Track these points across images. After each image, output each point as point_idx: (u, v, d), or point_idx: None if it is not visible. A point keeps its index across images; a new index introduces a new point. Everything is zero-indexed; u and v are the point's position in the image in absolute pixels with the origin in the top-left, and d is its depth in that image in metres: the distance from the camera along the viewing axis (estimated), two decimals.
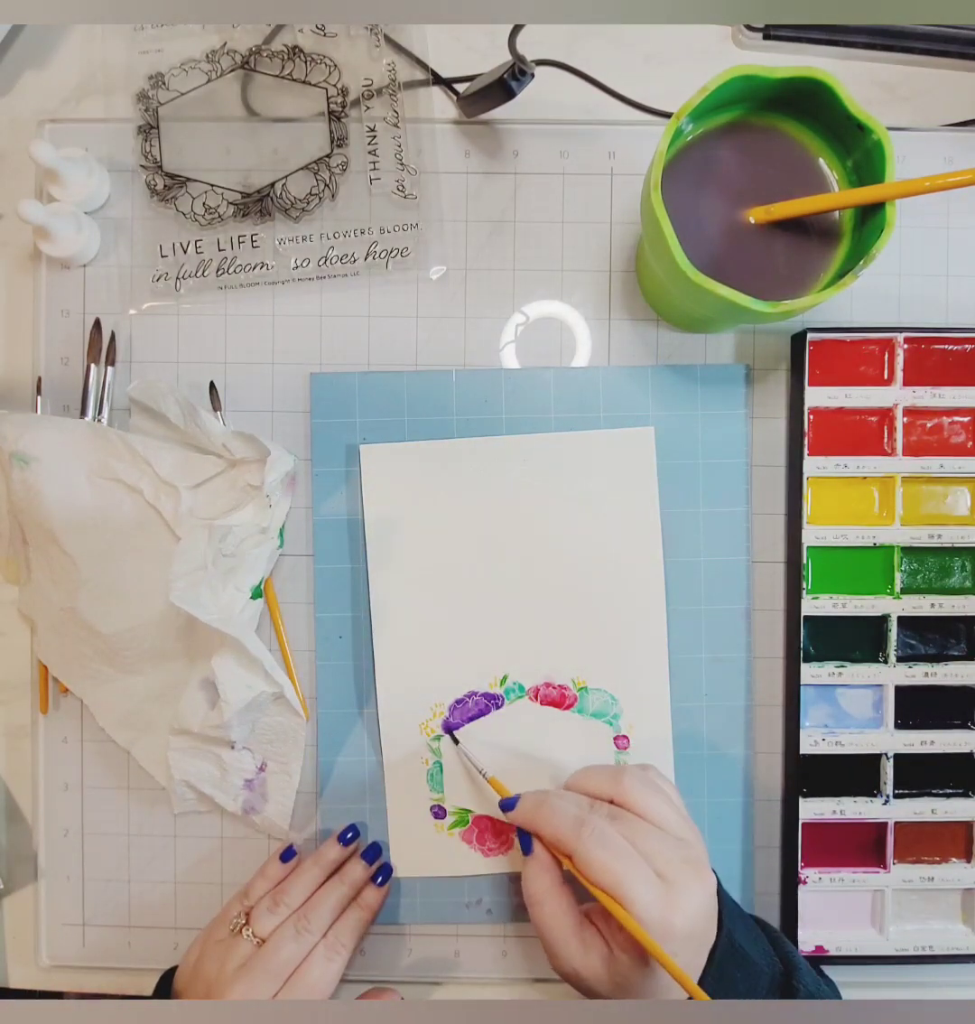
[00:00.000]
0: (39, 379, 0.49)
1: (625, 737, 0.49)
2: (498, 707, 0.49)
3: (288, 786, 0.49)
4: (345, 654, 0.49)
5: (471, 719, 0.49)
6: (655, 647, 0.49)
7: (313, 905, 0.45)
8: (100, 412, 0.49)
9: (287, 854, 0.47)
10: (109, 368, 0.49)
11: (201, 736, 0.47)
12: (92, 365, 0.49)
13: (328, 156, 0.50)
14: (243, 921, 0.44)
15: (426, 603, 0.49)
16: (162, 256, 0.50)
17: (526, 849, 0.42)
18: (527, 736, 0.49)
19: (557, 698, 0.49)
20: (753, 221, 0.41)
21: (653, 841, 0.39)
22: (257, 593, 0.48)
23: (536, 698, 0.49)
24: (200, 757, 0.48)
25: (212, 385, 0.49)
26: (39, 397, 0.49)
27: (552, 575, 0.49)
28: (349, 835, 0.48)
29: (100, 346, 0.49)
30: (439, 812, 0.49)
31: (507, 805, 0.43)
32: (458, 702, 0.49)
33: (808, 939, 0.48)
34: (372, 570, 0.49)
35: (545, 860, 0.41)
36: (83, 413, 0.49)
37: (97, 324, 0.49)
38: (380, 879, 0.47)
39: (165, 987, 0.45)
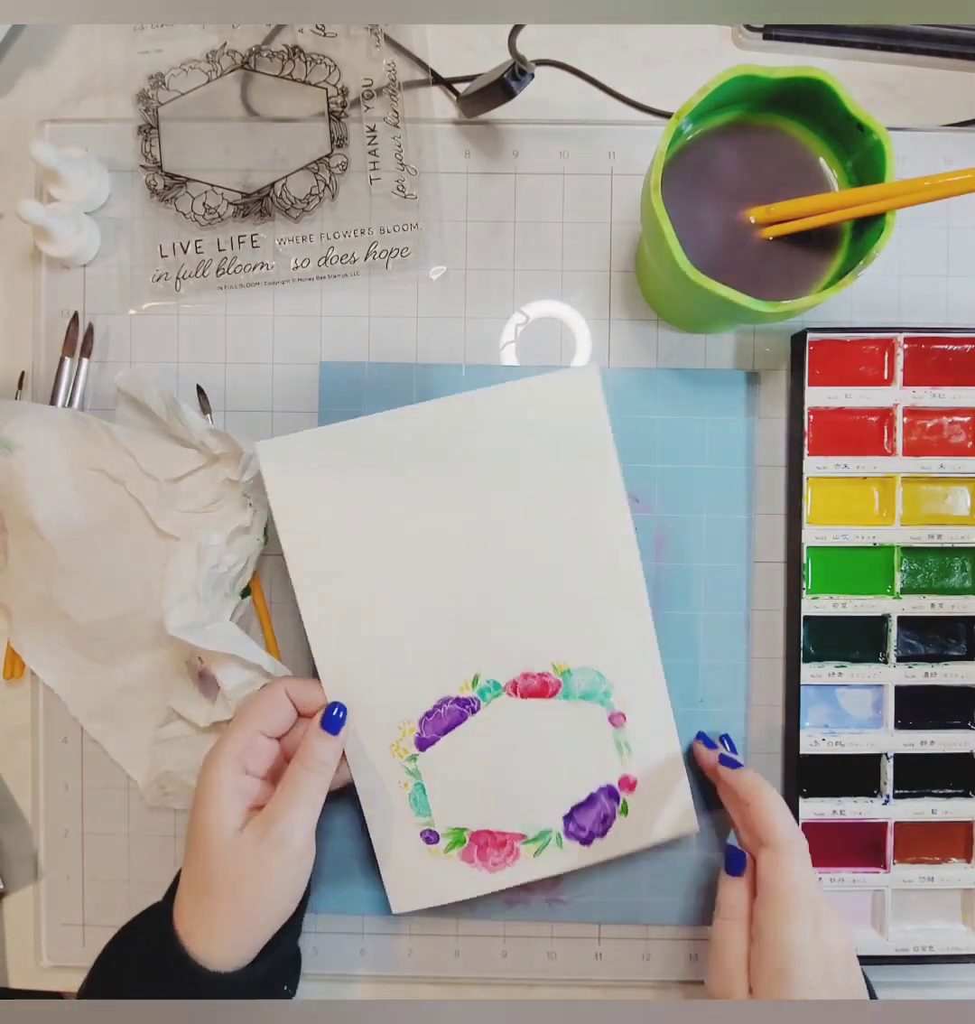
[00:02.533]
0: (22, 374, 0.50)
1: (621, 714, 0.46)
2: (474, 711, 0.45)
3: None
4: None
5: (447, 730, 0.45)
6: (636, 611, 0.45)
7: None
8: (71, 405, 0.49)
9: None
10: (84, 361, 0.49)
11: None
12: (66, 358, 0.49)
13: (328, 156, 0.50)
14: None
15: (369, 613, 0.44)
16: (162, 256, 0.50)
17: (736, 870, 0.43)
18: (513, 736, 0.45)
19: (539, 687, 0.45)
20: (753, 221, 0.41)
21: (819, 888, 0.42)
22: (246, 592, 0.48)
23: (516, 693, 0.45)
24: (187, 746, 0.48)
25: (199, 389, 0.49)
26: (20, 391, 0.49)
27: (509, 554, 0.44)
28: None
29: (75, 339, 0.49)
30: (431, 836, 0.46)
31: (729, 763, 0.45)
32: (428, 714, 0.45)
33: None
34: (297, 589, 0.44)
35: (751, 888, 0.43)
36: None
37: (75, 317, 0.49)
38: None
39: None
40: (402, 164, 0.50)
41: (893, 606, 0.48)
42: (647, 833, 0.46)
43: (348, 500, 0.44)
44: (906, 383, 0.48)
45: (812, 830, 0.48)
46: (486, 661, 0.45)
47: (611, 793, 0.46)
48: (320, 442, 0.44)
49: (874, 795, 0.49)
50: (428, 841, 0.46)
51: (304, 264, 0.50)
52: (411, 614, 0.45)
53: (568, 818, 0.46)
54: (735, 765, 0.45)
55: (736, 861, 0.44)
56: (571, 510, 0.44)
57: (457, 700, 0.45)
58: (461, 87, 0.50)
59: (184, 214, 0.49)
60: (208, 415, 0.49)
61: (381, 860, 0.46)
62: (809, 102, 0.40)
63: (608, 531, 0.45)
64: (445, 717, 0.45)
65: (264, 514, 0.48)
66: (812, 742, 0.48)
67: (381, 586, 0.44)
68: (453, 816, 0.46)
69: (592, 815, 0.46)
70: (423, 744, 0.45)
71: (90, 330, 0.49)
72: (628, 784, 0.46)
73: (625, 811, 0.46)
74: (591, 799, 0.46)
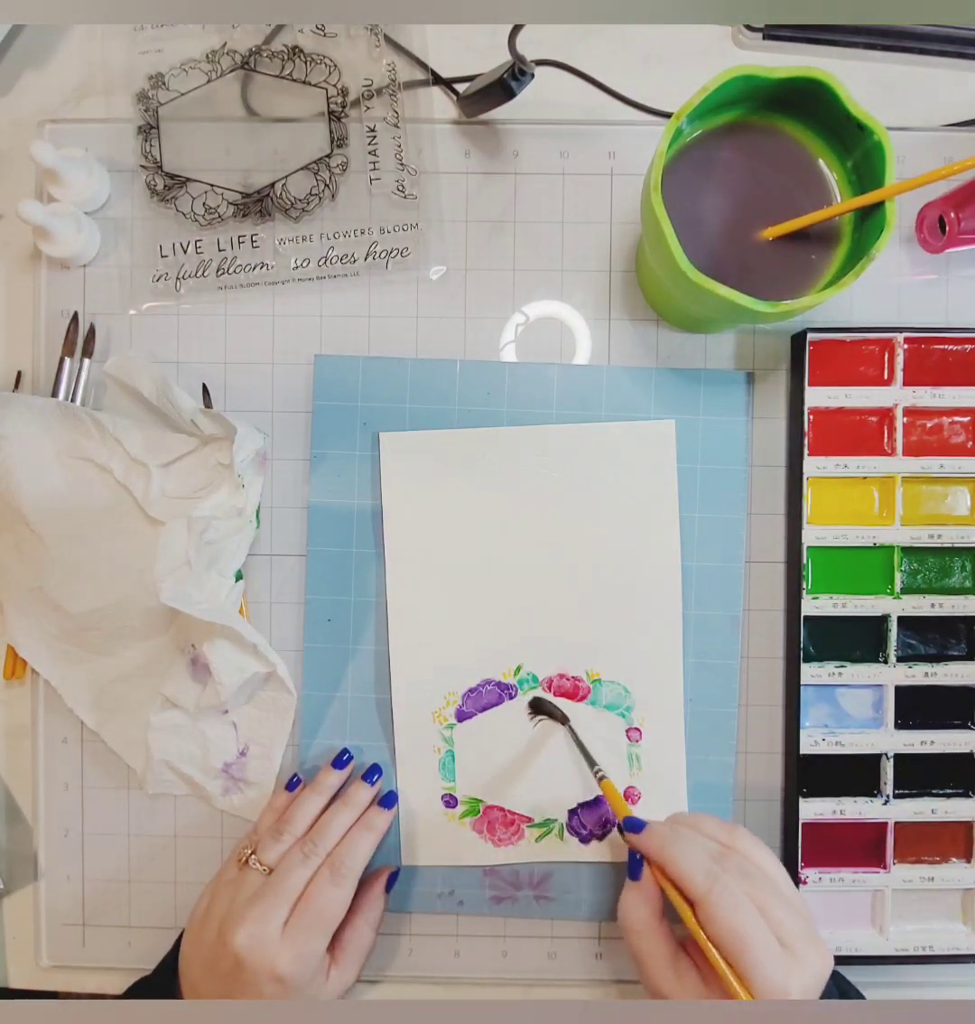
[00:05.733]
0: (18, 374, 0.50)
1: (638, 730, 0.49)
2: (511, 697, 0.49)
3: (268, 771, 0.49)
4: (331, 637, 0.49)
5: (484, 708, 0.49)
6: (669, 640, 0.49)
7: (318, 829, 0.45)
8: (73, 402, 0.49)
9: (292, 783, 0.48)
10: (86, 361, 0.49)
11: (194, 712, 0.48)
12: (66, 358, 0.49)
13: (328, 156, 0.50)
14: (251, 851, 0.45)
15: (442, 592, 0.49)
16: (162, 256, 0.50)
17: (634, 874, 0.41)
18: (539, 727, 0.49)
19: (570, 689, 0.49)
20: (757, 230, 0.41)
21: (779, 908, 0.38)
22: (239, 576, 0.48)
23: (549, 689, 0.49)
24: (182, 736, 0.49)
25: (204, 388, 0.50)
26: (16, 392, 0.49)
27: (569, 566, 0.49)
28: (345, 758, 0.48)
29: (75, 339, 0.49)
30: (450, 801, 0.49)
31: (632, 826, 0.42)
32: (472, 691, 0.49)
33: None
34: (389, 558, 0.49)
35: (651, 891, 0.40)
36: None
37: (75, 317, 0.49)
38: (385, 803, 0.47)
39: (170, 961, 0.45)
40: (402, 164, 0.50)
41: (893, 606, 0.48)
42: None
43: (445, 493, 0.49)
44: (906, 383, 0.48)
45: (812, 830, 0.49)
46: (530, 655, 0.49)
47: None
48: (431, 442, 0.49)
49: (874, 795, 0.49)
50: (447, 805, 0.49)
51: (304, 264, 0.50)
52: (476, 601, 0.49)
53: (573, 813, 0.49)
54: (637, 826, 0.42)
55: (633, 864, 0.41)
56: (629, 542, 0.49)
57: (498, 684, 0.49)
58: (461, 87, 0.50)
59: (184, 214, 0.49)
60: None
61: (402, 814, 0.49)
62: (809, 102, 0.40)
63: (658, 568, 0.49)
64: (485, 696, 0.49)
65: (257, 497, 0.48)
66: (812, 742, 0.48)
67: (456, 572, 0.49)
68: (473, 787, 0.49)
69: (595, 816, 0.49)
70: (462, 716, 0.49)
71: (92, 331, 0.49)
72: (633, 796, 0.49)
73: None
74: (597, 800, 0.49)
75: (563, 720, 0.48)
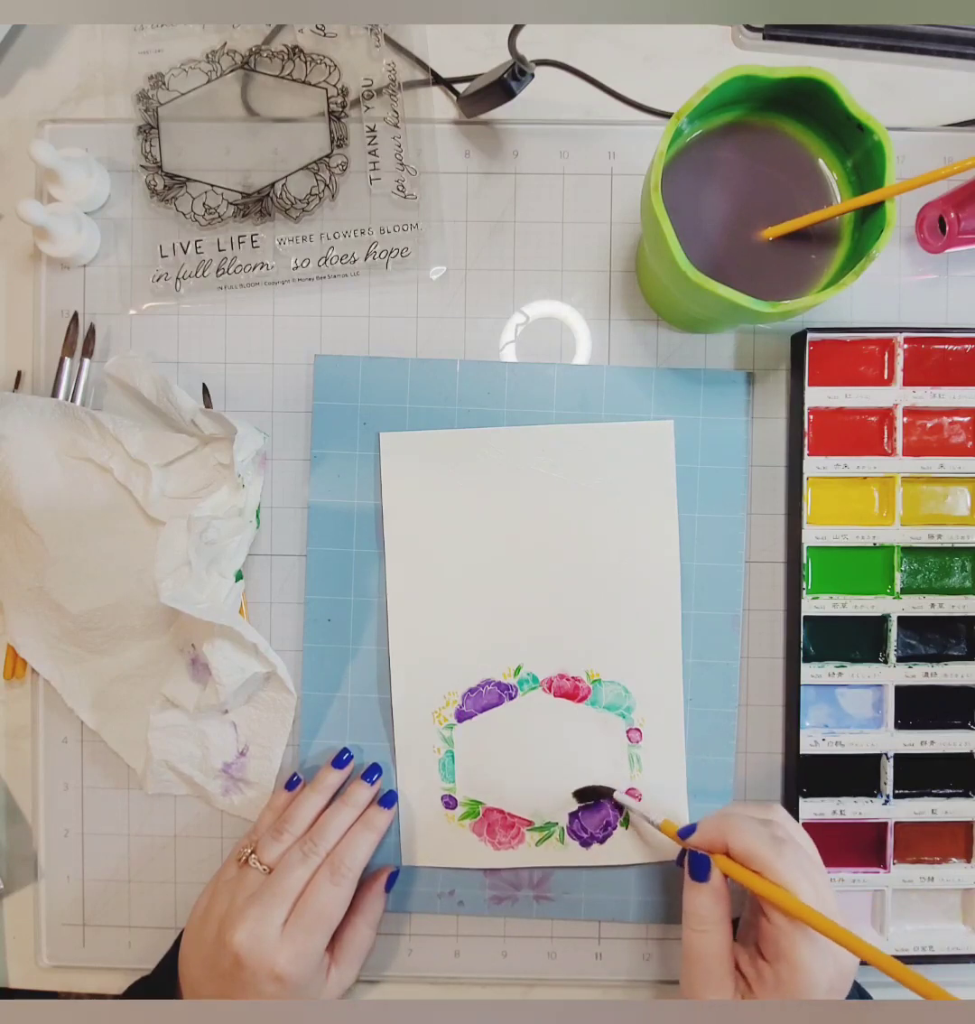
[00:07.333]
0: (19, 373, 0.50)
1: (638, 730, 0.49)
2: (511, 698, 0.49)
3: (268, 771, 0.49)
4: (331, 637, 0.49)
5: (484, 709, 0.49)
6: (669, 640, 0.49)
7: (318, 828, 0.45)
8: (73, 402, 0.49)
9: (292, 783, 0.48)
10: (86, 361, 0.49)
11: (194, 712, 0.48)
12: (66, 358, 0.49)
13: (328, 156, 0.50)
14: (250, 850, 0.45)
15: (442, 592, 0.49)
16: (162, 256, 0.50)
17: (701, 875, 0.41)
18: (539, 727, 0.49)
19: (570, 690, 0.49)
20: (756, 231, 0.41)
21: (822, 877, 0.41)
22: (239, 576, 0.48)
23: (549, 689, 0.49)
24: (182, 736, 0.49)
25: (204, 388, 0.50)
26: (16, 392, 0.49)
27: (569, 566, 0.49)
28: (345, 757, 0.48)
29: (75, 340, 0.49)
30: (450, 802, 0.49)
31: (685, 832, 0.43)
32: (471, 691, 0.49)
33: None
34: (389, 558, 0.49)
35: (722, 890, 0.41)
36: None
37: (75, 317, 0.49)
38: (385, 803, 0.47)
39: (170, 961, 0.45)
40: (402, 164, 0.50)
41: (893, 606, 0.48)
42: (643, 850, 0.49)
43: (445, 493, 0.49)
44: (906, 383, 0.48)
45: (812, 830, 0.48)
46: (530, 656, 0.49)
47: (616, 802, 0.48)
48: (431, 442, 0.49)
49: (874, 795, 0.49)
50: (447, 806, 0.49)
51: (304, 264, 0.50)
52: (476, 601, 0.49)
53: (573, 816, 0.49)
54: (690, 829, 0.43)
55: (700, 866, 0.41)
56: (629, 542, 0.49)
57: (498, 684, 0.49)
58: (461, 87, 0.50)
59: (184, 214, 0.50)
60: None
61: (402, 814, 0.49)
62: (809, 102, 0.40)
63: (657, 568, 0.49)
64: (485, 697, 0.49)
65: (257, 497, 0.48)
66: (812, 742, 0.48)
67: (456, 572, 0.49)
68: (473, 788, 0.49)
69: (596, 819, 0.49)
70: (462, 716, 0.49)
71: (91, 331, 0.49)
72: (634, 796, 0.49)
73: (626, 823, 0.49)
74: (598, 803, 0.49)
75: (609, 793, 0.48)
